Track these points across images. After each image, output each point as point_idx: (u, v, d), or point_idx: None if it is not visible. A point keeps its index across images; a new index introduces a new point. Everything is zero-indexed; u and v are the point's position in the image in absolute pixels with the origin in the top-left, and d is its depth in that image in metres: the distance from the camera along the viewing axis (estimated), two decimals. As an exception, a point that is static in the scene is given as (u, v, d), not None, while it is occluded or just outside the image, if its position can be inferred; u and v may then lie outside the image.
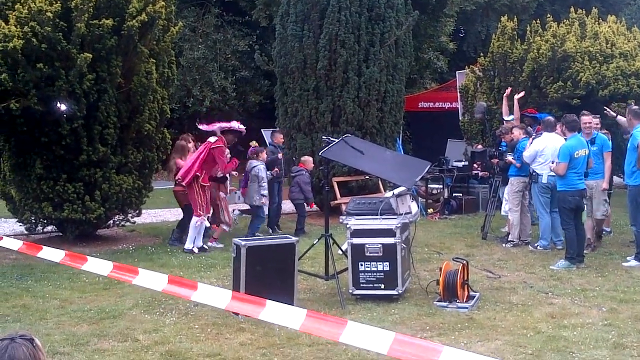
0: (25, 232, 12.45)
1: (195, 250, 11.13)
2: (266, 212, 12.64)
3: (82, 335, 6.86)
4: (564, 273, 9.40)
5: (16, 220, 12.68)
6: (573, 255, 9.75)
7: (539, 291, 8.46)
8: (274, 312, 4.20)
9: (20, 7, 10.30)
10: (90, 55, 10.56)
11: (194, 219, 11.18)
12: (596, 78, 15.47)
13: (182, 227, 12.06)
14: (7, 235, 12.16)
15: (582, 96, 15.40)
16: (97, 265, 5.84)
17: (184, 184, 11.11)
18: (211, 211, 11.52)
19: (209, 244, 11.55)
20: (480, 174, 15.65)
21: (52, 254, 6.50)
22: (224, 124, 11.44)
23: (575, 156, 9.74)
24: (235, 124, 11.46)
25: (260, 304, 4.31)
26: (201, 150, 11.22)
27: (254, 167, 12.21)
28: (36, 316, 7.54)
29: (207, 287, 4.81)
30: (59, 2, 10.59)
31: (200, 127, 11.82)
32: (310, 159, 13.63)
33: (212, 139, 11.21)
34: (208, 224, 11.46)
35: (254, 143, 13.17)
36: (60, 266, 8.26)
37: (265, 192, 12.17)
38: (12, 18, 10.25)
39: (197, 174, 10.99)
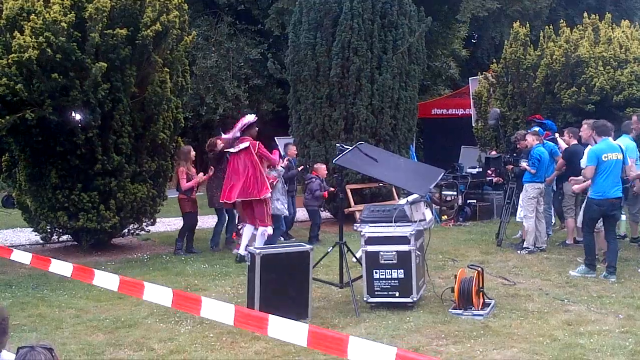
0: (41, 241, 12.51)
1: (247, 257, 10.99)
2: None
3: (97, 344, 6.89)
4: (580, 280, 9.34)
5: (32, 229, 12.73)
6: (592, 262, 9.58)
7: (555, 298, 8.41)
8: (278, 328, 4.19)
9: (35, 17, 10.37)
10: (105, 65, 10.62)
11: (261, 228, 10.95)
12: (610, 83, 15.39)
13: (181, 235, 12.14)
14: (22, 245, 12.25)
15: (596, 101, 15.33)
16: (105, 280, 5.86)
17: (261, 197, 10.92)
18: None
19: (235, 251, 11.52)
20: (494, 180, 15.61)
21: (62, 268, 6.52)
22: (240, 124, 11.12)
23: (604, 159, 9.38)
24: (248, 117, 11.23)
25: (264, 320, 4.30)
26: (247, 164, 10.94)
27: (269, 174, 12.22)
28: (52, 325, 7.58)
29: (212, 302, 4.79)
30: (73, 12, 10.65)
31: (225, 135, 11.62)
32: (323, 166, 13.61)
33: (242, 146, 10.91)
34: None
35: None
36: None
37: (280, 201, 12.16)
38: (27, 29, 10.31)
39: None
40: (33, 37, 10.24)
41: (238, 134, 11.04)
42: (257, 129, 11.37)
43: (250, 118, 11.16)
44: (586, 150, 10.00)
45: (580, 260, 10.42)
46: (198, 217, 12.49)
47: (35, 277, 9.98)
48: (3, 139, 11.38)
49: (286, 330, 4.13)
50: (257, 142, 11.04)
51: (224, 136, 11.48)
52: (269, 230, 11.04)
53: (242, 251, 10.99)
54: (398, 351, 3.52)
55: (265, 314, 4.41)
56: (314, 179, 13.16)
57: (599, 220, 9.87)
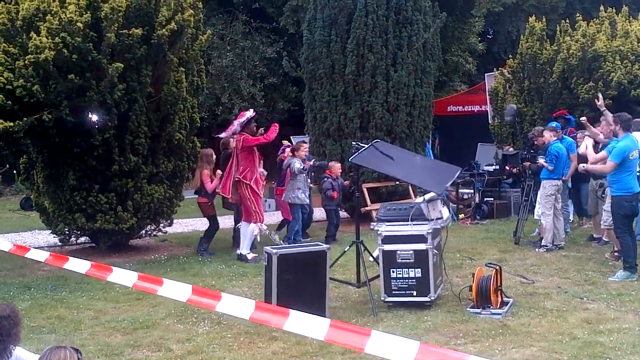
0: (59, 243, 12.56)
1: (249, 257, 11.16)
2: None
3: (116, 345, 6.92)
4: (599, 277, 9.27)
5: (50, 231, 12.78)
6: (632, 264, 9.26)
7: (574, 296, 8.36)
8: (297, 322, 4.18)
9: (51, 18, 10.40)
10: (122, 65, 10.64)
11: (251, 225, 11.22)
12: (628, 78, 15.26)
13: (208, 236, 12.13)
14: (40, 247, 12.30)
15: (614, 96, 15.19)
16: (122, 276, 5.86)
17: (227, 196, 11.42)
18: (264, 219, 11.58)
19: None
20: (514, 171, 15.45)
21: (78, 266, 6.54)
22: (239, 120, 11.39)
23: (630, 158, 9.22)
24: (248, 113, 11.43)
25: (284, 314, 4.30)
26: (230, 160, 11.42)
27: (290, 163, 12.26)
28: (71, 327, 7.61)
29: (231, 297, 4.79)
30: (88, 12, 10.67)
31: (220, 135, 11.90)
32: (338, 164, 13.58)
33: (232, 144, 11.36)
34: (263, 230, 11.53)
35: (286, 142, 13.17)
36: (94, 277, 8.32)
37: (301, 190, 12.18)
38: (44, 29, 10.35)
39: (241, 178, 11.13)
40: (49, 37, 10.28)
41: (238, 129, 11.27)
42: (255, 124, 11.54)
43: (250, 113, 11.31)
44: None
45: (608, 256, 10.31)
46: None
47: (54, 279, 10.04)
48: (20, 140, 11.44)
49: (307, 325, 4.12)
50: (243, 136, 11.19)
51: (222, 135, 11.78)
52: (260, 226, 11.31)
53: (243, 250, 11.22)
54: (421, 345, 3.51)
55: (285, 308, 4.41)
56: (325, 179, 13.15)
57: (609, 218, 9.76)
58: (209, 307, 5.10)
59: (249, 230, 11.27)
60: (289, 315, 4.24)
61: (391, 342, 3.68)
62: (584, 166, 10.05)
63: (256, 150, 11.35)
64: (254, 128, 11.46)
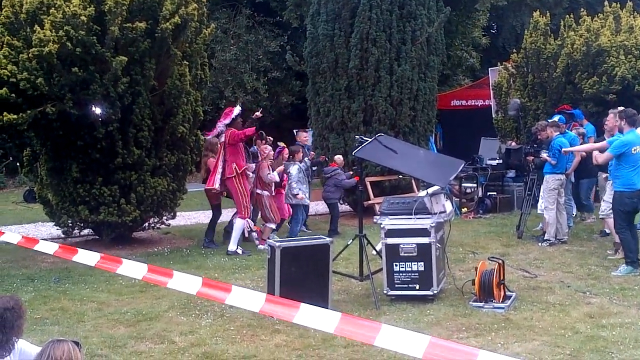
0: (62, 235, 12.58)
1: (239, 251, 11.17)
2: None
3: (119, 337, 6.93)
4: (602, 272, 9.27)
5: (53, 224, 12.80)
6: (634, 259, 9.24)
7: (577, 290, 8.35)
8: (308, 315, 4.18)
9: (55, 11, 10.41)
10: (125, 59, 10.65)
11: (239, 221, 11.26)
12: (632, 72, 15.24)
13: (213, 227, 12.16)
14: (44, 239, 12.31)
15: (618, 91, 15.18)
16: (132, 268, 5.87)
17: (214, 188, 11.39)
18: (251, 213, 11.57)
19: (260, 246, 11.58)
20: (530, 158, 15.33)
21: (88, 257, 6.55)
22: (225, 120, 11.43)
23: (633, 152, 9.14)
24: (235, 110, 11.48)
25: (295, 307, 4.30)
26: (218, 155, 11.51)
27: (288, 169, 12.31)
28: (74, 319, 7.63)
29: (241, 289, 4.80)
30: (92, 6, 10.69)
31: (207, 136, 11.98)
32: (341, 157, 13.64)
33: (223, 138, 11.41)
34: (250, 227, 11.51)
35: (281, 144, 13.16)
36: (97, 269, 8.33)
37: (295, 191, 12.20)
38: (47, 22, 10.36)
39: (229, 174, 11.16)
40: (53, 31, 10.28)
41: (223, 128, 11.33)
42: (241, 119, 11.56)
43: (237, 111, 11.38)
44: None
45: (610, 253, 10.30)
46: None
47: (57, 271, 10.05)
48: (24, 133, 11.46)
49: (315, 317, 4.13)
50: (231, 130, 11.24)
51: (208, 136, 11.97)
52: (246, 222, 11.37)
53: (231, 246, 11.24)
54: (431, 339, 3.51)
55: (294, 301, 4.42)
56: (338, 170, 13.13)
57: (609, 208, 9.74)
58: (219, 300, 5.12)
59: (237, 226, 11.30)
60: (299, 308, 4.24)
61: (401, 336, 3.68)
62: (596, 160, 9.95)
63: (241, 145, 11.38)
64: (240, 124, 11.45)
